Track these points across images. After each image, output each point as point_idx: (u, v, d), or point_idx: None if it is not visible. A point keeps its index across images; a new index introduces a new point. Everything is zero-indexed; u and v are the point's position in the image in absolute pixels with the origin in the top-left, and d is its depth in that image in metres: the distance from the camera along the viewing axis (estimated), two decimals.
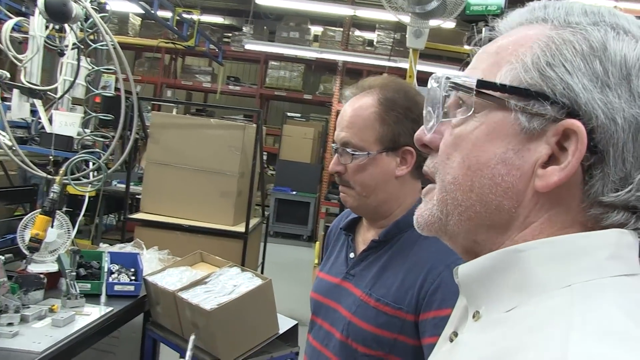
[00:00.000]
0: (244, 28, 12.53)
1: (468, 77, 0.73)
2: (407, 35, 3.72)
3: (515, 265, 0.69)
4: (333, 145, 1.62)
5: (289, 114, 12.97)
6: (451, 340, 0.80)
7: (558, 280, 0.66)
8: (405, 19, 3.76)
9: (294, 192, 11.01)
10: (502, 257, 0.71)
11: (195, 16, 10.36)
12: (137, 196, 5.58)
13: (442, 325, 1.39)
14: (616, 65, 0.65)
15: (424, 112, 0.81)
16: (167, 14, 9.43)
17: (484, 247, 0.75)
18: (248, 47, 10.79)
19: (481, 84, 0.71)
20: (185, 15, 9.95)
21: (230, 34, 12.86)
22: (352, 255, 1.66)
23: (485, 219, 0.73)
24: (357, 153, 1.55)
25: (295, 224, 11.12)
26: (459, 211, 0.74)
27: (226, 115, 11.00)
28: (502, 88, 0.70)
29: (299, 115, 13.04)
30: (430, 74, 0.85)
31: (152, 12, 8.08)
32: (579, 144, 0.65)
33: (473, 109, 0.73)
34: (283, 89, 12.29)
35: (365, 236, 1.67)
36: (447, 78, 0.76)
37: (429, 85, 0.79)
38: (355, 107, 1.58)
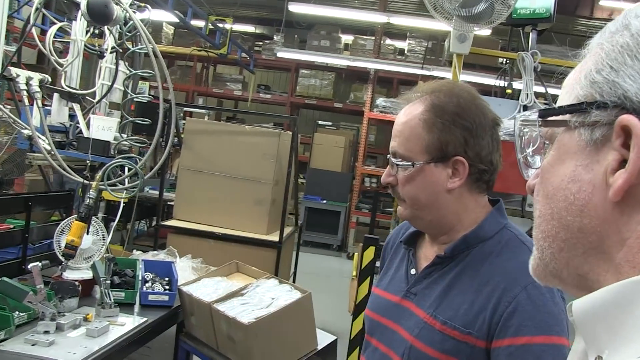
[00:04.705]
0: (275, 37, 12.54)
1: (533, 111, 0.74)
2: (450, 41, 3.61)
3: None
4: (389, 156, 1.52)
5: (320, 122, 12.90)
6: None
7: None
8: (445, 25, 3.66)
9: (324, 201, 10.92)
10: (627, 290, 0.60)
11: (228, 25, 10.36)
12: (168, 203, 5.53)
13: (518, 354, 1.29)
14: None
15: (518, 157, 0.79)
16: (200, 23, 9.46)
17: (592, 279, 0.67)
18: (280, 55, 10.78)
19: (543, 113, 0.71)
20: (218, 24, 9.95)
21: (261, 43, 12.90)
22: (413, 271, 1.54)
23: (575, 246, 0.67)
24: (401, 163, 1.45)
25: (325, 233, 11.02)
26: (549, 243, 0.70)
27: (256, 124, 10.97)
28: (560, 110, 0.69)
29: (329, 123, 12.98)
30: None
31: (187, 21, 8.11)
32: (635, 137, 0.59)
33: (545, 141, 0.73)
34: (313, 97, 12.29)
35: (428, 251, 1.55)
36: (522, 120, 0.77)
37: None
38: (405, 115, 1.48)
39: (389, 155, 1.52)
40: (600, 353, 0.62)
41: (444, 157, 1.43)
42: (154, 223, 7.46)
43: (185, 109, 9.07)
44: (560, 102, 0.71)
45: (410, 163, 1.44)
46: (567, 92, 0.71)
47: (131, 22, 2.83)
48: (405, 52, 11.68)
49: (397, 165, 1.46)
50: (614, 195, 0.61)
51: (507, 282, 1.34)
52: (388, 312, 1.54)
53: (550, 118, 0.70)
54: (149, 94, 5.90)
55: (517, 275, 1.33)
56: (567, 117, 0.68)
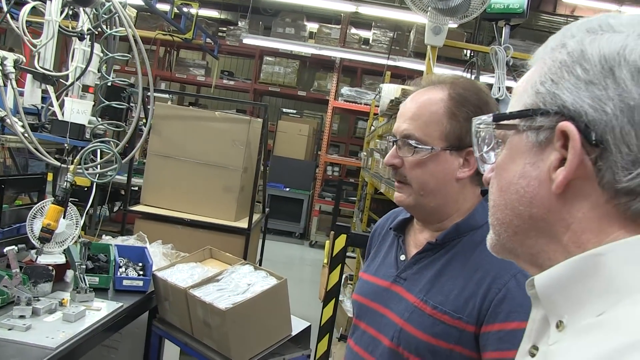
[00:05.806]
0: (239, 23, 12.44)
1: (488, 115, 0.86)
2: (425, 32, 3.63)
3: (596, 269, 0.70)
4: (390, 137, 1.54)
5: (284, 109, 12.88)
6: (532, 355, 0.80)
7: None
8: (420, 16, 3.68)
9: (287, 189, 10.93)
10: (581, 263, 0.72)
11: (194, 9, 10.24)
12: (132, 188, 5.47)
13: (508, 339, 1.33)
14: (595, 64, 0.72)
15: (476, 155, 0.90)
16: (165, 7, 9.31)
17: (543, 257, 0.79)
18: (246, 41, 10.72)
19: (496, 117, 0.83)
20: (183, 9, 9.83)
21: (225, 28, 12.77)
22: (402, 257, 1.57)
23: (526, 231, 0.80)
24: (419, 146, 1.46)
25: (288, 221, 11.03)
26: (504, 228, 0.83)
27: (219, 110, 10.89)
28: (511, 115, 0.81)
29: (294, 111, 12.96)
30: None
31: (152, 4, 7.99)
32: (572, 140, 0.71)
33: (499, 140, 0.86)
34: (277, 85, 12.24)
35: (418, 238, 1.59)
36: (477, 123, 0.88)
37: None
38: (422, 99, 1.50)
39: (392, 137, 1.53)
40: (561, 318, 0.74)
41: (460, 146, 1.46)
42: (115, 208, 7.36)
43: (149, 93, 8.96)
44: (511, 108, 0.83)
45: (428, 147, 1.46)
46: (517, 100, 0.82)
47: (109, 3, 2.79)
48: (370, 41, 11.70)
49: (415, 147, 1.47)
50: (556, 188, 0.74)
51: (497, 270, 1.38)
52: (377, 297, 1.57)
53: (502, 122, 0.82)
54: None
55: (506, 264, 1.36)
56: (516, 121, 0.80)
